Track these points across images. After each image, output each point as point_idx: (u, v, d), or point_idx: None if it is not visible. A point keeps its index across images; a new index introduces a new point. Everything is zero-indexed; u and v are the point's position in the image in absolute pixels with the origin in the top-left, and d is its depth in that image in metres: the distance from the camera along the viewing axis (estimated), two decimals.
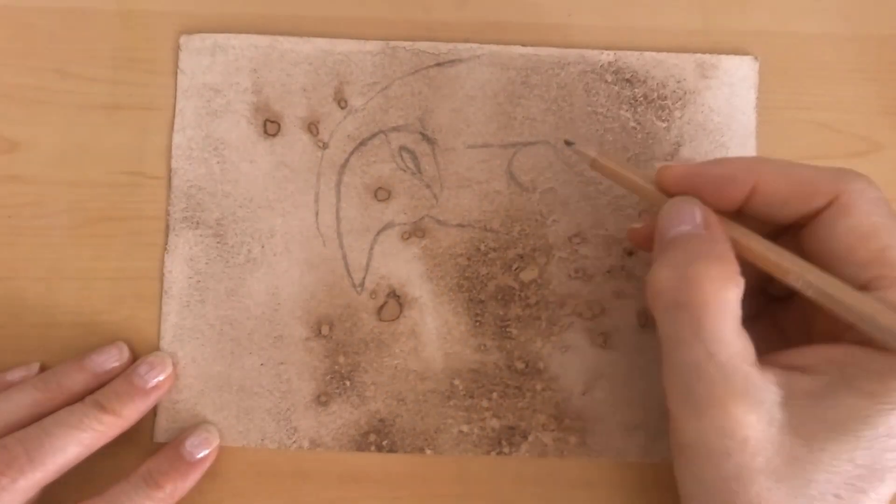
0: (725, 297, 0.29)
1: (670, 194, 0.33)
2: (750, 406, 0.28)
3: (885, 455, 0.28)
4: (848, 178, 0.30)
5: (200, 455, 0.36)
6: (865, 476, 0.28)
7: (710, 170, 0.32)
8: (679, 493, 0.32)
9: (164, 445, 0.37)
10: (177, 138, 0.39)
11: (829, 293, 0.29)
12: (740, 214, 0.32)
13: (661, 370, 0.31)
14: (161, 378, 0.37)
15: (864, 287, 0.29)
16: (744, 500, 0.29)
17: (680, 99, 0.39)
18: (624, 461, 0.38)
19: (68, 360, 0.37)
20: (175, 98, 0.39)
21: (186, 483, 0.36)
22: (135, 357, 0.38)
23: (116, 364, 0.37)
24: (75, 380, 0.36)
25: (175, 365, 0.38)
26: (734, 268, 0.29)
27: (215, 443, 0.37)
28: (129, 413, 0.36)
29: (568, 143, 0.36)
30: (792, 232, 0.32)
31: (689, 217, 0.31)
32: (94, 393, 0.36)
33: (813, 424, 0.28)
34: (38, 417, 0.35)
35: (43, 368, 0.38)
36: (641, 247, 0.36)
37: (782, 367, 0.30)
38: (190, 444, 0.36)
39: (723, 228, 0.31)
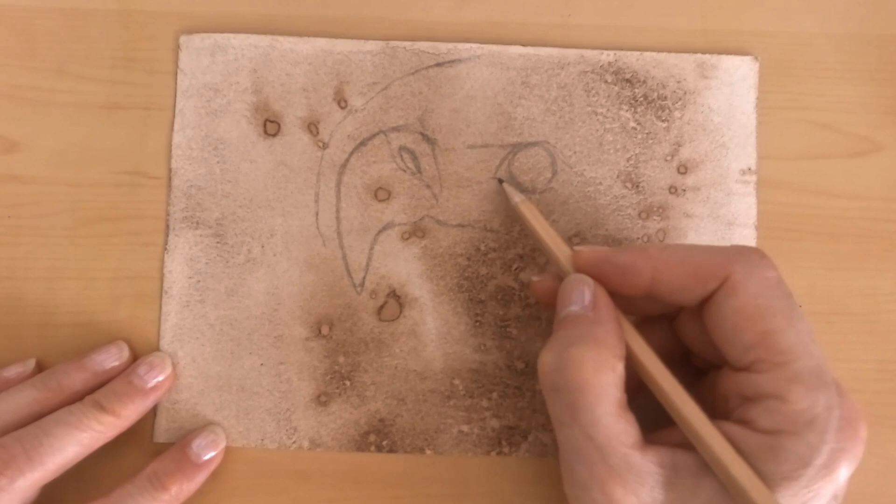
0: (601, 381, 0.29)
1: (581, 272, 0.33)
2: (629, 487, 0.29)
3: None
4: (737, 259, 0.31)
5: (207, 457, 0.36)
6: None
7: (615, 259, 0.32)
8: None
9: (166, 446, 0.37)
10: (177, 138, 0.39)
11: (697, 437, 0.29)
12: (649, 298, 0.32)
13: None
14: (160, 378, 0.37)
15: (745, 369, 0.30)
16: None
17: (680, 99, 0.39)
18: None
19: (68, 360, 0.37)
20: (175, 98, 0.39)
21: (192, 485, 0.36)
22: (135, 357, 0.38)
23: (116, 363, 0.37)
24: (75, 379, 0.36)
25: (175, 365, 0.38)
26: (613, 351, 0.30)
27: (222, 444, 0.37)
28: (129, 413, 0.35)
29: (500, 181, 0.38)
30: (696, 309, 0.33)
31: (578, 297, 0.32)
32: (94, 393, 0.36)
33: (694, 501, 0.29)
34: (37, 417, 0.34)
35: (39, 364, 0.38)
36: (542, 302, 0.36)
37: (671, 444, 0.30)
38: (197, 445, 0.36)
39: (612, 311, 0.32)
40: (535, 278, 0.35)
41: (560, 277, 0.34)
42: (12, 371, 0.37)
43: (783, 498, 0.28)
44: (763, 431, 0.29)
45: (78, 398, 0.36)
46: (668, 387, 0.30)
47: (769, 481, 0.28)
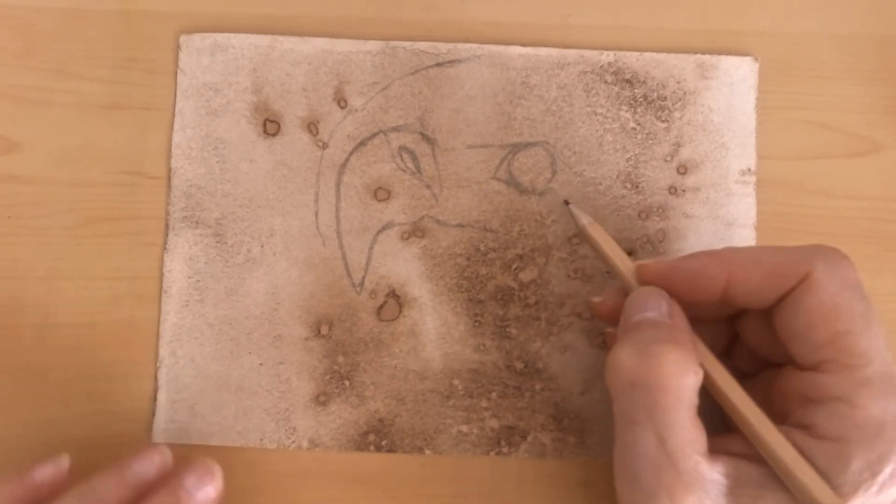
0: (683, 383, 0.29)
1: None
2: (696, 498, 0.28)
3: None
4: (818, 257, 0.30)
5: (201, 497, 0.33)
6: None
7: (685, 266, 0.32)
8: None
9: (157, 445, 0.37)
10: (176, 138, 0.39)
11: (771, 452, 0.29)
12: (723, 302, 0.32)
13: (613, 450, 0.31)
14: (210, 493, 0.33)
15: (813, 369, 0.30)
16: None
17: (680, 99, 0.39)
18: None
19: (106, 470, 0.33)
20: (175, 98, 0.39)
21: None
22: (135, 354, 0.38)
23: (156, 470, 0.33)
24: (113, 493, 0.32)
25: (220, 475, 0.34)
26: (694, 357, 0.29)
27: (219, 483, 0.34)
28: None
29: (566, 203, 0.37)
30: (764, 310, 0.32)
31: (654, 305, 0.31)
32: None
33: None
34: None
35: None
36: (604, 320, 0.36)
37: (732, 454, 0.29)
38: (190, 483, 0.33)
39: (687, 324, 0.31)
40: (595, 299, 0.35)
41: (623, 294, 0.33)
42: (45, 474, 0.33)
43: None
44: (828, 438, 0.28)
45: None
46: (736, 396, 0.30)
47: (837, 492, 0.27)
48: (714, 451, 0.29)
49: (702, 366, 0.30)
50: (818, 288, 0.29)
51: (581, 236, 0.36)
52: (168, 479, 0.33)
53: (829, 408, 0.28)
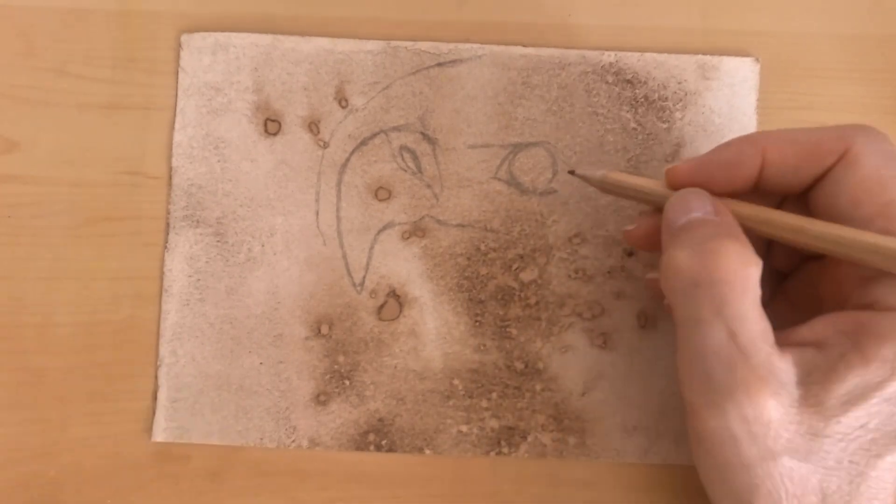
0: (748, 274, 0.28)
1: None
2: (772, 389, 0.28)
3: (894, 417, 0.28)
4: (856, 132, 0.30)
5: None
6: (878, 440, 0.28)
7: (718, 157, 0.31)
8: (701, 480, 0.31)
9: (165, 445, 0.37)
10: (177, 137, 0.39)
11: (843, 236, 0.28)
12: (755, 191, 0.31)
13: (676, 358, 0.30)
14: None
15: None
16: (769, 483, 0.28)
17: (681, 100, 0.39)
18: (623, 462, 0.38)
19: None
20: (175, 97, 0.39)
21: None
22: (135, 353, 0.38)
23: None
24: None
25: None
26: (752, 248, 0.29)
27: None
28: None
29: (571, 173, 0.36)
30: (800, 197, 0.32)
31: (699, 205, 0.30)
32: None
33: (829, 399, 0.28)
34: None
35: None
36: (639, 247, 0.36)
37: (796, 344, 0.29)
38: None
39: (734, 218, 0.30)
40: (628, 227, 0.34)
41: (656, 216, 0.33)
42: None
43: None
44: (893, 309, 0.28)
45: None
46: (797, 220, 0.29)
47: None
48: (780, 343, 0.29)
49: (762, 219, 0.30)
50: (860, 162, 0.29)
51: (603, 190, 0.35)
52: None
53: (887, 281, 0.28)
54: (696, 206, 0.30)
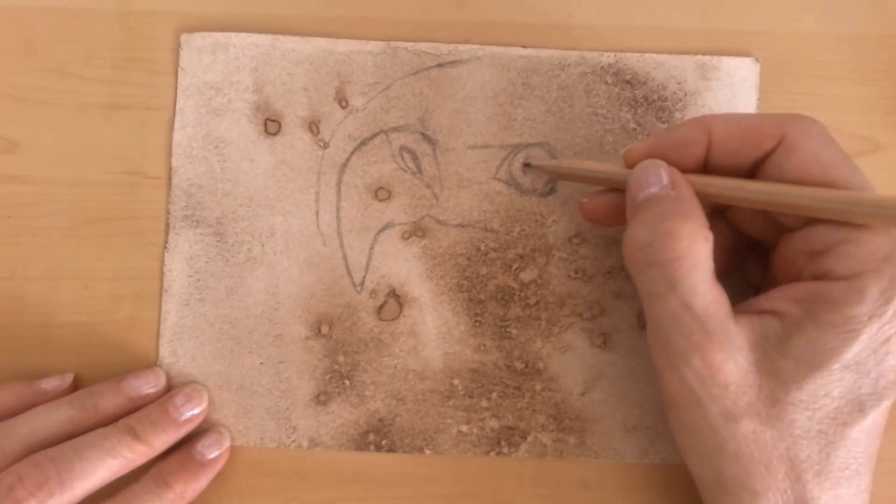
0: (697, 250, 0.30)
1: None
2: (727, 353, 0.30)
3: (857, 385, 0.29)
4: (794, 119, 0.31)
5: (212, 456, 0.36)
6: (843, 408, 0.30)
7: (670, 137, 0.33)
8: (677, 448, 0.33)
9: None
10: (177, 137, 0.39)
11: (797, 195, 0.30)
12: (704, 170, 0.33)
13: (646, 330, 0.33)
14: (196, 412, 0.37)
15: (812, 224, 0.31)
16: (733, 445, 0.30)
17: (680, 100, 0.39)
18: (623, 462, 0.38)
19: (105, 382, 0.37)
20: (175, 97, 0.39)
21: (198, 484, 0.36)
22: (135, 353, 0.38)
23: (153, 390, 0.37)
24: (110, 402, 0.36)
25: (210, 400, 0.38)
26: (703, 222, 0.31)
27: (227, 444, 0.37)
28: (160, 444, 0.35)
29: (526, 165, 0.38)
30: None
31: (655, 178, 0.32)
32: (128, 417, 0.35)
33: (788, 366, 0.30)
34: (69, 436, 0.34)
35: (39, 371, 0.38)
36: (594, 220, 0.37)
37: (754, 312, 0.31)
38: (202, 444, 0.36)
39: (690, 188, 0.32)
40: (583, 200, 0.36)
41: (609, 191, 0.35)
42: (50, 384, 0.37)
43: (868, 337, 0.29)
44: (843, 278, 0.29)
45: (111, 421, 0.35)
46: (748, 186, 0.31)
47: (857, 323, 0.29)
48: (738, 312, 0.31)
49: (717, 189, 0.32)
50: (797, 146, 0.31)
51: (559, 178, 0.37)
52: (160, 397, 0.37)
53: (836, 251, 0.30)
54: (653, 180, 0.32)
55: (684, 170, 0.33)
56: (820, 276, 0.30)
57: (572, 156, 0.39)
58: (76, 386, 0.38)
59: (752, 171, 0.32)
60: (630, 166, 0.34)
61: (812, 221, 0.31)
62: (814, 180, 0.30)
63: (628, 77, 0.39)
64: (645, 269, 0.31)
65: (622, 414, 0.38)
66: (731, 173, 0.33)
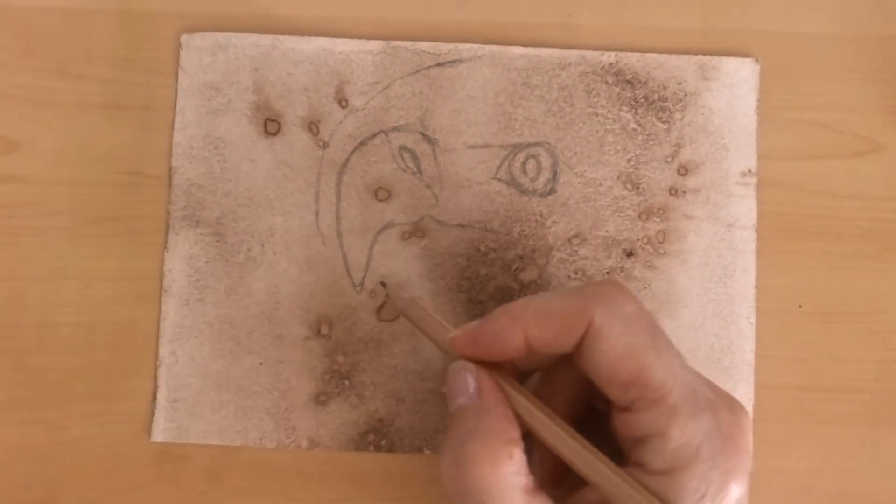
0: (500, 475, 0.29)
1: (465, 357, 0.32)
2: None
3: None
4: (595, 302, 0.30)
5: None
6: None
7: (487, 330, 0.31)
8: None
9: (164, 445, 0.37)
10: (177, 137, 0.39)
11: (579, 457, 0.30)
12: (529, 353, 0.32)
13: None
14: None
15: (629, 409, 0.30)
16: None
17: (681, 101, 0.39)
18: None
19: None
20: (175, 97, 0.39)
21: None
22: (135, 354, 0.38)
23: None
24: None
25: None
26: (506, 436, 0.30)
27: None
28: None
29: (382, 285, 0.38)
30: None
31: (462, 386, 0.31)
32: None
33: None
34: None
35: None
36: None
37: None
38: None
39: (496, 393, 0.31)
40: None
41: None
42: None
43: None
44: (658, 473, 0.28)
45: None
46: (568, 448, 0.30)
47: None
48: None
49: (530, 425, 0.31)
50: (603, 334, 0.29)
51: (403, 314, 0.36)
52: None
53: (650, 444, 0.29)
54: (460, 389, 0.31)
55: (508, 357, 0.31)
56: (641, 465, 0.29)
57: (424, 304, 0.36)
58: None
59: (574, 351, 0.31)
60: (459, 355, 0.32)
61: (632, 407, 0.30)
62: (622, 367, 0.29)
63: (629, 77, 0.39)
64: (456, 499, 0.30)
65: None
66: (558, 356, 0.32)
